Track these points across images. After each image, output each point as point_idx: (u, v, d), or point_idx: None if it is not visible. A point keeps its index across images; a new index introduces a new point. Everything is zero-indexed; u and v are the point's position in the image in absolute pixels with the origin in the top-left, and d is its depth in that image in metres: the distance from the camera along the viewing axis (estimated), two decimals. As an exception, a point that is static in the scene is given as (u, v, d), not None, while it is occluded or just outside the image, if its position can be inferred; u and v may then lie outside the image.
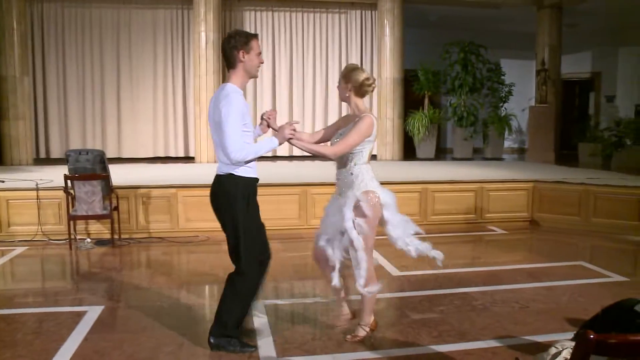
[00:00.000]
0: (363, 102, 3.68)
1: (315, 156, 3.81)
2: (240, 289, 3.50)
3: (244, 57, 3.42)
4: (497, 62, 13.54)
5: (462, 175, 8.29)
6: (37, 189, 6.80)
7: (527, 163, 11.33)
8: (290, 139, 3.51)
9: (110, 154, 10.78)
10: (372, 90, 3.69)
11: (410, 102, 12.73)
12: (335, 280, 3.58)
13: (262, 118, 3.74)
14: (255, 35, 3.48)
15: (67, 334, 3.86)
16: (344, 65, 11.95)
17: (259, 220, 3.58)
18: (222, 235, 3.62)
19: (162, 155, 11.92)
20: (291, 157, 11.75)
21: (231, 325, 3.55)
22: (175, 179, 7.62)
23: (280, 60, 12.14)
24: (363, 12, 12.30)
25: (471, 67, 12.69)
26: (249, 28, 11.65)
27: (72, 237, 6.48)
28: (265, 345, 3.67)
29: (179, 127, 11.98)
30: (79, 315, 4.22)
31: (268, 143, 3.45)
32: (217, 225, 3.60)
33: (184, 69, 11.85)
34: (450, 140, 14.21)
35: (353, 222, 3.49)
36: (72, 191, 6.35)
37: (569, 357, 2.19)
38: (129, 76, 11.70)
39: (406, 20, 11.64)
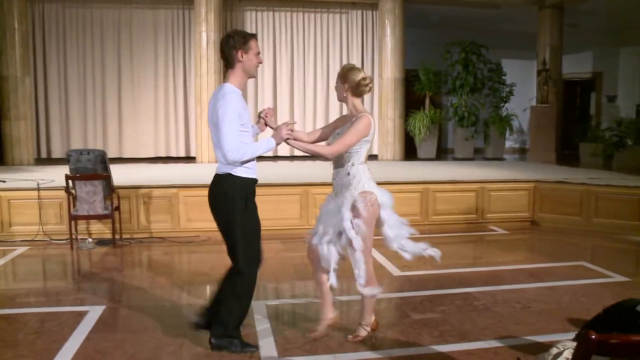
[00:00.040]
0: (360, 102, 3.67)
1: (314, 156, 3.79)
2: (240, 290, 3.50)
3: (242, 57, 3.41)
4: (498, 62, 13.53)
5: (463, 175, 8.29)
6: (39, 189, 6.80)
7: (528, 163, 11.33)
8: (288, 139, 3.50)
9: (111, 154, 10.79)
10: (370, 90, 3.67)
11: (411, 102, 12.73)
12: (333, 280, 3.54)
13: (259, 116, 3.74)
14: (253, 35, 3.48)
15: (68, 334, 3.86)
16: (345, 65, 11.93)
17: (257, 220, 3.57)
18: (223, 236, 3.62)
19: (163, 155, 11.92)
20: (292, 157, 11.75)
21: (232, 325, 3.55)
22: (177, 179, 7.62)
23: (281, 61, 12.14)
24: (364, 12, 12.30)
25: (472, 67, 12.69)
26: (249, 28, 11.66)
27: (74, 237, 6.49)
28: (267, 345, 3.67)
29: (180, 127, 11.98)
30: (81, 315, 4.23)
31: (265, 144, 3.44)
32: (218, 225, 3.59)
33: (185, 68, 11.86)
34: (452, 140, 14.20)
35: (351, 222, 3.48)
36: (73, 191, 6.36)
37: (570, 357, 2.18)
38: (130, 76, 11.70)
39: (407, 20, 11.64)
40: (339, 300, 4.61)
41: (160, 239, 6.86)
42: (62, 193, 6.52)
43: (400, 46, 11.48)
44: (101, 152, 6.53)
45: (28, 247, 6.51)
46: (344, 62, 12.15)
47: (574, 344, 2.25)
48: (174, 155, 11.97)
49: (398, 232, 3.66)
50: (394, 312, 4.46)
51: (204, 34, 10.59)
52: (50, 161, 10.96)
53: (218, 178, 3.47)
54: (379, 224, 3.63)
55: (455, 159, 12.66)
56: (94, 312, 4.30)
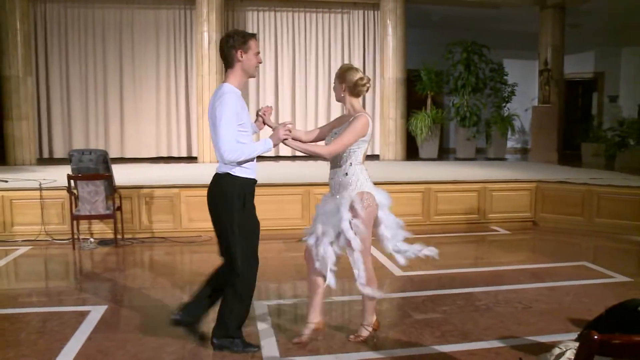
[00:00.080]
0: (359, 102, 3.66)
1: (313, 156, 3.77)
2: (240, 290, 3.49)
3: (242, 57, 3.41)
4: (500, 62, 13.52)
5: (465, 175, 8.29)
6: (41, 189, 6.81)
7: (530, 163, 11.32)
8: (285, 139, 3.50)
9: (113, 154, 10.81)
10: (367, 90, 3.66)
11: (413, 102, 12.72)
12: (332, 281, 3.52)
13: (257, 114, 3.74)
14: (253, 35, 3.47)
15: (70, 334, 3.87)
16: (346, 65, 11.94)
17: (255, 220, 3.56)
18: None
19: (165, 155, 11.93)
20: (294, 158, 11.75)
21: (233, 326, 3.55)
22: (178, 179, 7.63)
23: (283, 61, 12.14)
24: (365, 12, 12.30)
25: (474, 67, 12.68)
26: (251, 28, 11.67)
27: (75, 237, 6.50)
28: (268, 345, 3.67)
29: (181, 127, 11.99)
30: (83, 315, 4.24)
31: (263, 144, 3.43)
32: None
33: (187, 69, 11.87)
34: (453, 140, 14.19)
35: (350, 222, 3.48)
36: (75, 191, 6.37)
37: (572, 357, 2.18)
38: (131, 76, 11.71)
39: (409, 20, 11.64)
40: (340, 301, 4.63)
41: (162, 239, 6.86)
42: (64, 193, 6.53)
43: (401, 46, 11.47)
44: (103, 152, 6.54)
45: (30, 247, 6.52)
46: (346, 62, 12.13)
47: (576, 344, 2.25)
48: (175, 155, 11.98)
49: (395, 233, 3.66)
50: (396, 312, 4.46)
51: (205, 34, 10.60)
52: (52, 161, 10.97)
53: (217, 177, 3.48)
54: (376, 224, 3.62)
55: (457, 159, 12.66)
56: (96, 312, 4.30)
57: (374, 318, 3.78)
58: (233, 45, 3.39)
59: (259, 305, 4.42)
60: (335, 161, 3.59)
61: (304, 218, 7.20)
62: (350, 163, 3.55)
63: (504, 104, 13.36)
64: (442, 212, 7.57)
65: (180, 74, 11.88)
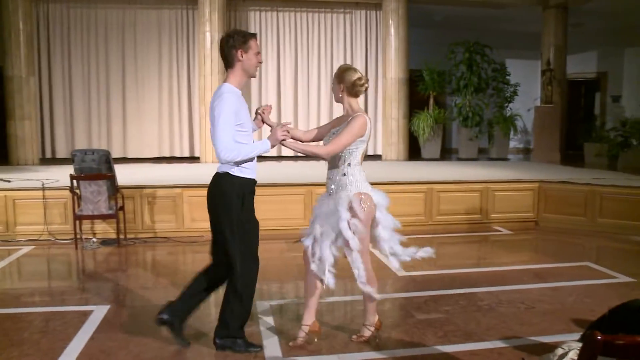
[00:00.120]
0: (357, 102, 3.65)
1: (311, 157, 3.75)
2: (241, 290, 3.48)
3: (242, 57, 3.41)
4: (503, 62, 13.52)
5: (468, 175, 8.28)
6: (43, 189, 6.82)
7: (532, 163, 11.31)
8: (283, 140, 3.49)
9: (115, 153, 10.83)
10: (365, 91, 3.65)
11: (415, 102, 12.71)
12: (331, 281, 3.50)
13: (256, 112, 3.74)
14: (253, 35, 3.47)
15: (73, 333, 3.87)
16: (349, 65, 11.94)
17: (254, 220, 3.55)
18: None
19: (167, 155, 11.94)
20: (296, 158, 11.75)
21: (235, 326, 3.55)
22: (181, 179, 7.64)
23: (285, 61, 12.15)
24: (368, 12, 12.30)
25: (476, 67, 12.66)
26: (253, 28, 11.68)
27: (78, 236, 6.50)
28: (271, 345, 3.68)
29: (184, 127, 12.00)
30: (85, 315, 4.24)
31: (260, 145, 3.42)
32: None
33: (189, 69, 11.88)
34: (456, 141, 14.18)
35: (348, 222, 3.47)
36: (77, 191, 6.38)
37: (575, 358, 2.18)
38: (134, 76, 11.73)
39: (411, 20, 11.64)
40: (342, 301, 4.63)
41: (165, 238, 6.87)
42: (67, 193, 6.54)
43: (404, 46, 11.47)
44: (105, 152, 6.54)
45: (33, 246, 6.53)
46: (348, 62, 12.16)
47: (579, 344, 2.25)
48: (178, 155, 11.99)
49: (392, 234, 3.65)
50: (398, 312, 4.45)
51: (207, 34, 10.61)
52: (54, 161, 10.99)
53: (217, 177, 3.48)
54: (373, 224, 3.62)
55: (459, 159, 12.65)
56: (99, 312, 4.31)
57: (376, 318, 3.77)
58: (233, 45, 3.39)
59: (262, 305, 4.42)
60: (334, 161, 3.58)
61: (307, 218, 7.14)
62: (349, 164, 3.54)
63: (506, 104, 13.35)
64: (444, 212, 7.57)
65: (183, 74, 11.90)
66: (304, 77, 12.21)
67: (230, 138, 3.29)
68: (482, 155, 13.06)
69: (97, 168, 6.37)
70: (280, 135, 3.45)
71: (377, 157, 11.91)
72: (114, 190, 6.47)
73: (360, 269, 3.49)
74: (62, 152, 11.48)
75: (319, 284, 3.59)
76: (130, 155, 11.70)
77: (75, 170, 6.38)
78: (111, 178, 6.39)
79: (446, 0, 11.95)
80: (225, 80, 3.46)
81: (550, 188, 7.74)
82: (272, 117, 3.81)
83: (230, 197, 3.39)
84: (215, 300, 4.70)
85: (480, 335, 3.88)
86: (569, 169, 9.48)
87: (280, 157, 11.64)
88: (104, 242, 6.69)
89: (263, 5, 11.95)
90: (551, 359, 2.32)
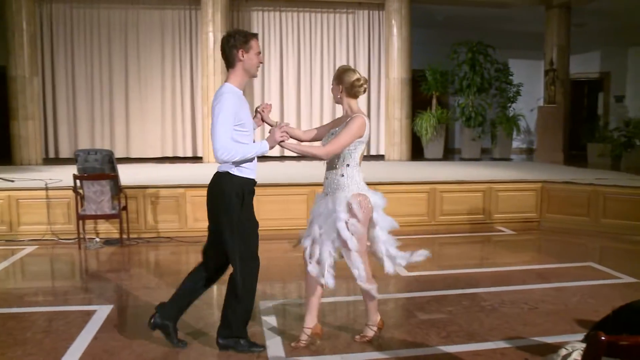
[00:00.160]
0: (356, 103, 3.64)
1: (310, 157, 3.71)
2: (241, 290, 3.48)
3: (243, 57, 3.40)
4: (505, 62, 13.49)
5: (470, 175, 8.27)
6: (47, 189, 6.84)
7: (535, 163, 11.29)
8: (282, 142, 3.48)
9: (118, 153, 10.83)
10: (364, 92, 3.65)
11: (418, 102, 12.71)
12: (330, 281, 3.49)
13: (256, 111, 3.74)
14: (254, 35, 3.47)
15: (76, 333, 3.88)
16: (351, 65, 11.95)
17: (254, 220, 3.55)
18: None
19: (170, 155, 11.96)
20: (299, 158, 11.74)
21: (236, 326, 3.55)
22: (184, 178, 7.64)
23: (288, 61, 12.15)
24: (370, 12, 12.30)
25: (479, 67, 12.65)
26: (256, 28, 11.68)
27: (81, 236, 6.51)
28: (274, 345, 3.68)
29: (187, 127, 12.01)
30: (88, 315, 4.25)
31: (258, 146, 3.41)
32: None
33: (192, 69, 11.89)
34: (459, 141, 14.17)
35: (346, 222, 3.46)
36: (81, 191, 6.39)
37: (579, 358, 2.17)
38: (137, 76, 11.75)
39: (414, 21, 11.62)
40: (345, 301, 4.63)
41: (168, 238, 6.88)
42: (70, 193, 6.56)
43: (406, 46, 11.46)
44: (108, 152, 6.56)
45: (36, 246, 6.55)
46: (351, 62, 12.17)
47: (583, 345, 2.24)
48: (181, 155, 12.01)
49: (388, 236, 3.65)
50: (401, 313, 4.45)
51: (210, 34, 10.62)
52: (58, 161, 11.01)
53: (217, 176, 3.48)
54: (371, 225, 3.62)
55: (462, 159, 12.64)
56: (102, 312, 4.32)
57: (378, 317, 3.77)
58: (234, 44, 3.39)
59: (264, 305, 4.42)
60: (332, 162, 3.58)
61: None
62: (347, 164, 3.53)
63: (509, 104, 13.33)
64: (447, 213, 7.56)
65: (186, 74, 11.91)
66: (307, 77, 12.22)
67: (228, 138, 3.29)
68: (485, 155, 13.04)
69: (100, 168, 6.38)
70: (279, 136, 3.45)
71: (379, 157, 11.91)
72: (117, 190, 6.48)
73: (360, 269, 3.50)
74: (65, 152, 11.51)
75: (318, 285, 3.60)
76: (133, 155, 11.72)
77: (79, 170, 6.39)
78: (114, 178, 6.40)
79: (449, 0, 11.94)
80: (226, 80, 3.46)
81: (553, 188, 7.72)
82: (275, 117, 3.82)
83: (230, 197, 3.39)
84: (217, 300, 4.70)
85: (483, 335, 3.87)
86: (572, 169, 9.46)
87: (283, 157, 11.65)
88: (107, 242, 6.70)
89: (266, 5, 11.96)
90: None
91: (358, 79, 3.56)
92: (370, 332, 3.73)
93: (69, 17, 11.48)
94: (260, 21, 11.96)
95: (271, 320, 4.13)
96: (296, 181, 7.45)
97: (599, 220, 7.30)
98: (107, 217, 6.56)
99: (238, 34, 3.44)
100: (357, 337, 3.75)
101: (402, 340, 3.79)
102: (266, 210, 6.81)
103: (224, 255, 3.52)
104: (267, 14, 12.02)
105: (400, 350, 3.63)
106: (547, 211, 7.70)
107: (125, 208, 6.68)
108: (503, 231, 7.50)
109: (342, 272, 3.60)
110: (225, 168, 3.42)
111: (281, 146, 3.53)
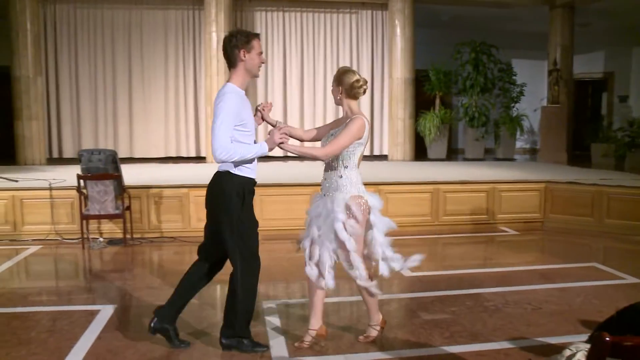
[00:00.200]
0: (356, 104, 3.63)
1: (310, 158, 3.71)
2: (242, 290, 3.48)
3: (244, 57, 3.40)
4: (509, 62, 13.47)
5: (474, 175, 8.26)
6: (50, 189, 6.85)
7: (539, 164, 11.26)
8: (281, 143, 3.47)
9: (122, 153, 10.86)
10: (364, 93, 3.65)
11: (421, 102, 12.70)
12: (330, 281, 3.49)
13: (257, 109, 3.74)
14: (256, 35, 3.47)
15: (80, 333, 3.89)
16: (355, 65, 11.96)
17: (254, 220, 3.54)
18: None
19: (173, 155, 11.97)
20: (302, 158, 11.73)
21: (239, 325, 3.55)
22: (187, 178, 7.65)
23: (291, 61, 12.15)
24: (374, 12, 12.29)
25: (482, 67, 12.64)
26: (259, 28, 11.69)
27: (85, 236, 6.53)
28: (277, 345, 3.68)
29: (190, 127, 12.03)
30: (92, 314, 4.26)
31: (257, 148, 3.40)
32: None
33: (195, 69, 11.91)
34: (462, 141, 14.15)
35: (344, 224, 3.46)
36: (84, 191, 6.40)
37: (583, 359, 2.17)
38: (140, 76, 11.77)
39: (417, 20, 11.62)
40: (348, 301, 4.63)
41: (171, 238, 6.89)
42: (74, 193, 6.57)
43: (410, 46, 11.46)
44: (112, 152, 6.57)
45: (40, 246, 6.56)
46: (354, 62, 12.17)
47: (587, 346, 2.24)
48: (184, 155, 12.02)
49: (385, 238, 3.65)
50: (405, 313, 4.45)
51: (214, 35, 10.63)
52: (61, 161, 11.04)
53: (217, 176, 3.49)
54: (368, 227, 3.62)
55: (465, 159, 12.63)
56: (106, 312, 4.33)
57: (380, 316, 3.77)
58: (236, 44, 3.39)
59: (268, 305, 4.43)
60: (331, 163, 3.58)
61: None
62: (346, 166, 3.53)
63: (512, 104, 13.31)
64: (450, 213, 7.55)
65: (189, 74, 11.92)
66: (310, 77, 12.21)
67: (227, 138, 3.29)
68: (488, 155, 13.02)
69: (103, 168, 6.39)
70: (279, 138, 3.44)
71: (383, 157, 11.90)
72: (121, 190, 6.49)
73: (360, 269, 3.50)
74: (69, 152, 11.53)
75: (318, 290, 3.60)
76: (136, 155, 11.73)
77: (82, 170, 6.40)
78: (118, 178, 6.41)
79: (452, 0, 11.93)
80: (228, 80, 3.47)
81: (556, 188, 7.71)
82: (279, 117, 3.81)
83: (230, 196, 3.39)
84: (220, 301, 4.71)
85: (487, 336, 3.87)
86: (576, 169, 9.44)
87: (286, 158, 11.63)
88: (111, 241, 6.72)
89: (269, 5, 11.96)
90: (559, 360, 2.31)
91: (357, 80, 3.55)
92: (373, 332, 3.74)
93: (73, 17, 11.50)
94: (263, 21, 11.97)
95: (274, 320, 4.13)
96: (299, 181, 7.45)
97: (603, 220, 7.28)
98: (110, 217, 6.58)
99: (240, 34, 3.43)
100: (361, 337, 3.75)
101: (406, 341, 3.79)
102: (269, 211, 6.82)
103: (221, 254, 3.53)
104: (271, 14, 12.03)
105: (404, 350, 3.63)
106: (550, 211, 7.69)
107: (128, 208, 6.69)
108: (506, 231, 7.49)
109: (344, 272, 3.59)
110: (226, 167, 3.43)
111: (281, 148, 3.54)
